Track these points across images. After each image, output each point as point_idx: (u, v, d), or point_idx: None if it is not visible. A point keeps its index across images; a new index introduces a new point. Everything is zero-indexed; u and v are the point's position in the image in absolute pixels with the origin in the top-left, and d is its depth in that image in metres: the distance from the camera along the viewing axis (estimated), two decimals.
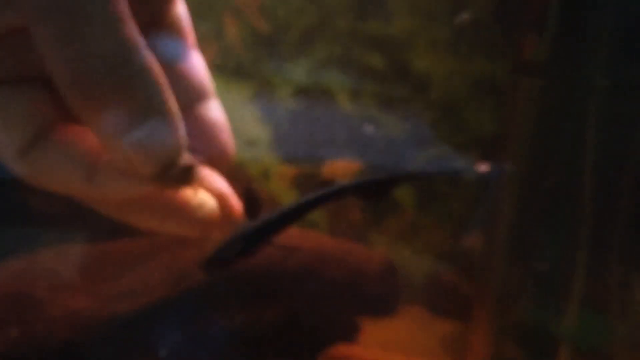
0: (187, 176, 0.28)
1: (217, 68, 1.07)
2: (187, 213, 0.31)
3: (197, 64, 0.34)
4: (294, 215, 0.39)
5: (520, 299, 1.03)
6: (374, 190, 0.43)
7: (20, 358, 0.70)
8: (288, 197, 1.08)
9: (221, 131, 0.34)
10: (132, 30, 0.26)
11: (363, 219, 1.11)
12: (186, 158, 0.27)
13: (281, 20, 1.06)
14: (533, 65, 0.96)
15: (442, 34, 1.06)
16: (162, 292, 0.76)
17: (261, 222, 0.37)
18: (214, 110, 0.34)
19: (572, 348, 0.98)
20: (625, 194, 0.97)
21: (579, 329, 0.99)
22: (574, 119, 0.97)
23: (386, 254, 0.85)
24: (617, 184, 0.97)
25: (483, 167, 0.90)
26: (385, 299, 0.79)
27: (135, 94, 0.26)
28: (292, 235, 0.79)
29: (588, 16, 0.94)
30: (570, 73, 0.97)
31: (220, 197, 0.33)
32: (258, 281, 0.76)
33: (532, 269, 1.02)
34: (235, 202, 0.34)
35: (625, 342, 0.98)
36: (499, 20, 1.05)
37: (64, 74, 0.25)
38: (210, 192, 0.32)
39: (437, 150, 1.07)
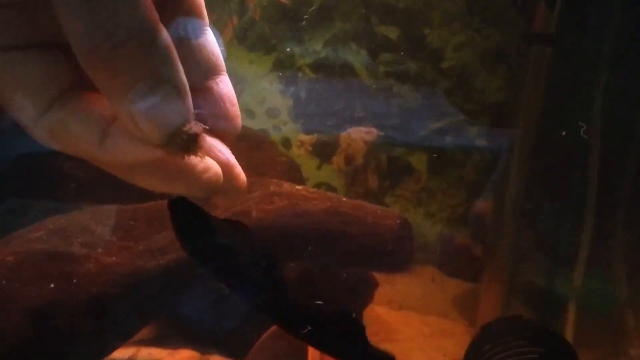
0: (192, 144, 0.27)
1: (239, 41, 1.08)
2: (192, 177, 0.31)
3: (210, 41, 0.34)
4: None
5: (528, 261, 1.03)
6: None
7: (57, 310, 0.71)
8: (308, 164, 1.09)
9: (230, 105, 0.34)
10: (149, 4, 0.26)
11: (379, 184, 1.11)
12: (192, 127, 0.27)
13: None
14: (543, 36, 0.95)
15: (455, 7, 1.06)
16: None
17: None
18: (225, 85, 0.34)
19: (579, 309, 0.98)
20: (631, 160, 0.97)
21: (585, 291, 0.98)
22: (582, 88, 0.96)
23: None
24: (624, 151, 0.96)
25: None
26: (400, 254, 0.79)
27: (148, 64, 0.26)
28: (312, 196, 0.80)
29: None
30: (578, 43, 0.96)
31: (225, 166, 0.32)
32: (280, 238, 0.76)
33: (539, 232, 1.02)
34: (239, 171, 0.34)
35: (630, 304, 0.98)
36: None
37: (81, 41, 0.26)
38: (216, 160, 0.32)
39: (449, 118, 1.07)
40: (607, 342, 0.97)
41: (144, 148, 0.28)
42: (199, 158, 0.29)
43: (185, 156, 0.28)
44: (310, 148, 1.10)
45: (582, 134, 0.90)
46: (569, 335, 0.95)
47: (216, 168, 0.32)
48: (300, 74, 1.06)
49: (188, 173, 0.31)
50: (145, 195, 0.87)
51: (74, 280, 0.74)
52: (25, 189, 0.86)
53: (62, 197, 0.87)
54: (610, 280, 0.99)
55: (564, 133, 0.92)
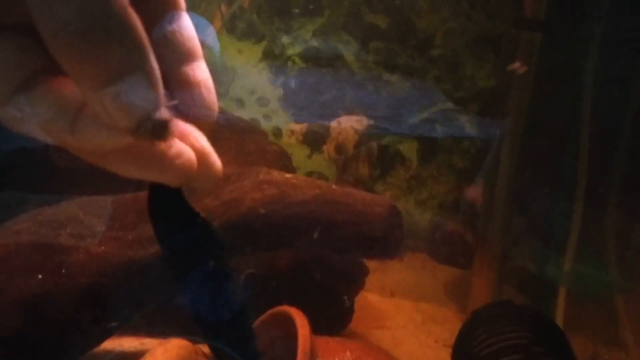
0: (162, 131, 0.27)
1: (228, 30, 1.06)
2: (165, 162, 0.30)
3: (186, 26, 0.33)
4: None
5: (519, 247, 1.02)
6: None
7: (46, 301, 0.70)
8: (299, 153, 1.08)
9: (207, 91, 0.33)
10: None
11: (370, 172, 1.11)
12: (162, 114, 0.27)
13: None
14: (533, 22, 0.94)
15: None
16: None
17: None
18: (201, 71, 0.33)
19: (570, 294, 0.98)
20: (622, 146, 0.96)
21: (575, 276, 0.98)
22: (572, 73, 0.96)
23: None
24: (614, 136, 0.96)
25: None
26: (391, 241, 0.78)
27: (117, 50, 0.25)
28: (302, 184, 0.79)
29: None
30: (569, 28, 0.95)
31: (200, 153, 0.32)
32: (270, 226, 0.76)
33: (530, 217, 1.02)
34: (215, 159, 0.33)
35: (620, 288, 0.98)
36: None
37: (49, 26, 0.25)
38: (191, 147, 0.31)
39: (439, 106, 1.06)
40: (597, 326, 0.97)
41: (114, 134, 0.28)
42: (170, 143, 0.29)
43: (155, 143, 0.28)
44: (300, 137, 1.09)
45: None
46: (560, 319, 0.95)
47: (189, 154, 0.31)
48: (290, 63, 1.05)
49: (160, 159, 0.30)
50: (138, 185, 0.86)
51: (63, 271, 0.73)
52: (18, 182, 0.85)
53: (55, 189, 0.86)
54: (600, 265, 0.99)
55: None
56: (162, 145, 0.29)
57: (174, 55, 0.32)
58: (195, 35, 0.34)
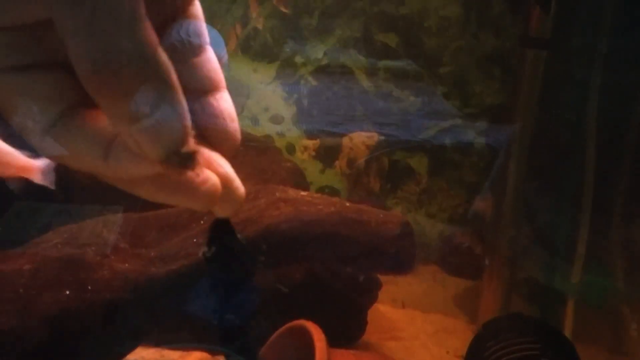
0: (189, 161, 0.28)
1: (243, 50, 1.08)
2: (191, 188, 0.31)
3: (211, 59, 0.34)
4: None
5: (527, 258, 1.03)
6: None
7: (72, 316, 0.72)
8: (312, 168, 1.10)
9: (230, 120, 0.34)
10: (148, 29, 0.27)
11: (381, 186, 1.12)
12: (190, 145, 0.28)
13: (302, 3, 1.06)
14: (538, 40, 0.95)
15: (452, 13, 1.06)
16: (197, 255, 0.77)
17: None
18: (224, 101, 0.34)
19: (578, 304, 0.98)
20: (626, 157, 0.97)
21: (583, 286, 0.98)
22: (577, 88, 0.97)
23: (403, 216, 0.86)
24: (618, 148, 0.97)
25: None
26: (403, 257, 0.80)
27: (147, 86, 0.27)
28: (316, 201, 0.80)
29: None
30: (573, 44, 0.96)
31: (224, 179, 0.33)
32: (287, 243, 0.77)
33: (537, 229, 1.02)
34: (238, 184, 0.34)
35: (627, 297, 0.98)
36: None
37: (83, 64, 0.26)
38: (216, 173, 0.32)
39: (449, 122, 1.07)
40: (604, 336, 0.97)
41: (144, 164, 0.29)
42: (195, 174, 0.30)
43: (183, 171, 0.29)
44: (313, 153, 1.10)
45: None
46: (568, 329, 0.95)
47: (214, 179, 0.32)
48: (302, 82, 1.07)
49: (187, 185, 0.31)
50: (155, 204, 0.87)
51: (89, 287, 0.75)
52: (33, 192, 0.86)
53: (70, 200, 0.87)
54: (607, 274, 0.99)
55: None
56: (189, 173, 0.30)
57: (200, 87, 0.33)
58: (219, 67, 0.35)
